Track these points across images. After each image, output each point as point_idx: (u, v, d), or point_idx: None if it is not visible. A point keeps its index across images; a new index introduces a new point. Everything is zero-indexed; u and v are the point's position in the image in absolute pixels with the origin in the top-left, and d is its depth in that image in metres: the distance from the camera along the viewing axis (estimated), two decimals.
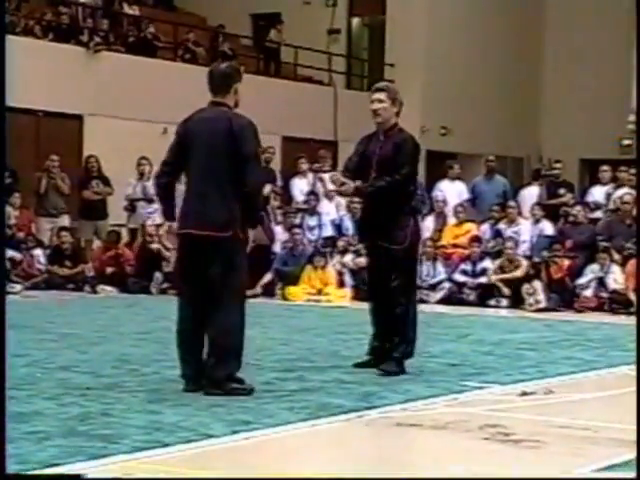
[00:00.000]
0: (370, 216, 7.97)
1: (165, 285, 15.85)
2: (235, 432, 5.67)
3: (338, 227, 16.82)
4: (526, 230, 15.84)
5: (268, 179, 15.59)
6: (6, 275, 14.55)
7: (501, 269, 15.02)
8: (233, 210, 6.84)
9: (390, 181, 7.77)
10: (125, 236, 17.32)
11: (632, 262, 14.26)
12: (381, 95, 7.98)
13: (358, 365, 7.99)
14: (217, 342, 6.82)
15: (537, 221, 15.95)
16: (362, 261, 13.53)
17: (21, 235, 16.43)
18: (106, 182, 17.38)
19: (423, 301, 14.80)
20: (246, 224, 6.91)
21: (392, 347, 7.86)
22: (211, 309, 6.81)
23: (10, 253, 15.37)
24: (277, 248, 16.33)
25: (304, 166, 17.75)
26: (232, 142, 6.82)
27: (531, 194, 17.01)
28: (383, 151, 7.91)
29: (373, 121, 8.03)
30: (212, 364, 6.81)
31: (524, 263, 14.93)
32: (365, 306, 8.32)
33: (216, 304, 6.79)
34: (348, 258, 15.77)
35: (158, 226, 16.60)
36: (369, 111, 8.03)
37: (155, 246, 16.16)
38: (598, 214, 16.16)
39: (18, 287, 15.41)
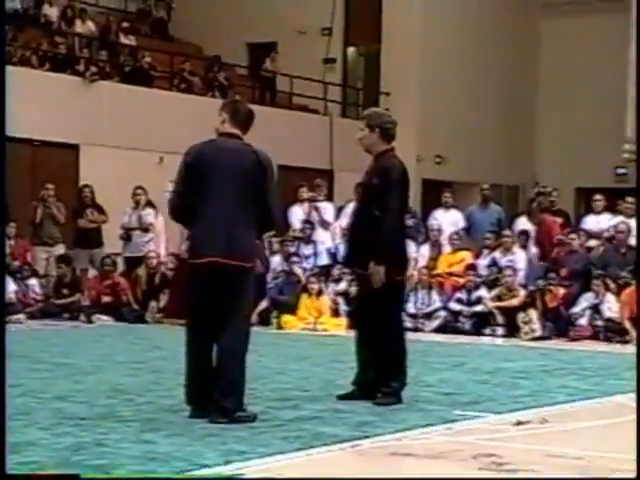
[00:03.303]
0: (359, 244, 7.85)
1: (159, 315, 15.87)
2: (229, 462, 5.66)
3: (333, 255, 16.84)
4: (521, 259, 15.86)
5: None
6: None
7: (499, 298, 15.03)
8: (254, 241, 7.09)
9: (385, 235, 7.60)
10: (121, 265, 17.31)
11: (627, 291, 14.28)
12: (361, 123, 7.94)
13: (342, 397, 7.87)
14: (227, 371, 6.85)
15: (524, 247, 16.00)
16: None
17: (17, 264, 16.42)
18: (100, 210, 17.40)
19: (418, 330, 14.87)
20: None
21: (383, 378, 7.79)
22: (221, 337, 6.84)
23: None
24: (269, 277, 16.30)
25: (305, 195, 17.77)
26: (260, 175, 6.92)
27: (523, 225, 16.99)
28: (368, 176, 7.86)
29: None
30: (222, 394, 6.82)
31: (522, 293, 14.95)
32: None
33: (227, 332, 6.84)
34: (342, 286, 15.78)
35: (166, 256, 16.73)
36: None
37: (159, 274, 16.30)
38: (593, 242, 16.17)
39: (22, 317, 15.41)
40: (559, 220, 16.49)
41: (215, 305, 6.89)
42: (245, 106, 7.35)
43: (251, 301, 7.16)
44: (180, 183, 7.12)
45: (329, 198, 18.74)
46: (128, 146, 20.16)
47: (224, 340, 6.85)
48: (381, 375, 7.82)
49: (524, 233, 16.28)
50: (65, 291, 16.34)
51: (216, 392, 6.87)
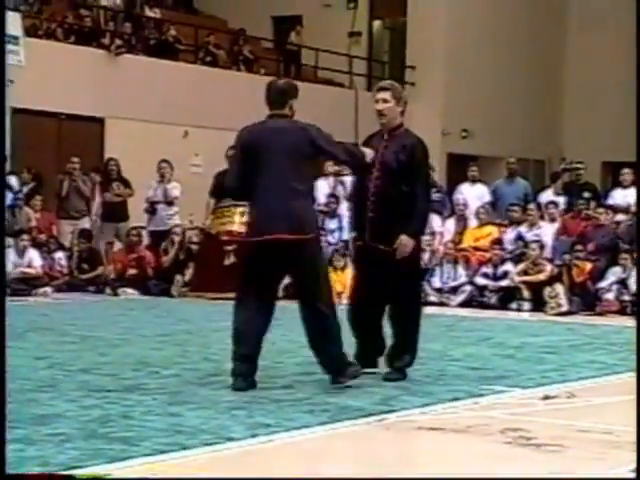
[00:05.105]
0: (379, 220, 7.66)
1: (185, 289, 15.89)
2: (255, 435, 5.66)
3: None
4: (548, 233, 15.77)
5: None
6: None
7: (525, 272, 14.96)
8: (313, 213, 7.31)
9: (420, 209, 7.65)
10: (146, 238, 17.33)
11: None
12: (386, 94, 7.75)
13: None
14: (329, 352, 7.20)
15: (552, 220, 15.91)
16: None
17: (43, 237, 16.48)
18: (126, 184, 17.42)
19: (444, 304, 14.84)
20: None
21: (397, 352, 7.72)
22: (308, 313, 7.16)
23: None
24: None
25: (330, 169, 17.73)
26: (314, 149, 7.17)
27: (550, 198, 16.91)
28: (388, 151, 7.68)
29: (378, 121, 7.82)
30: (335, 372, 7.20)
31: (548, 267, 14.87)
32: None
33: (316, 311, 7.17)
34: None
35: (191, 229, 16.76)
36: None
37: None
38: (620, 217, 16.05)
39: (49, 290, 15.50)
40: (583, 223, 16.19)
41: (270, 280, 7.13)
42: (276, 83, 7.55)
43: (326, 271, 7.36)
44: (236, 163, 7.34)
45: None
46: (153, 119, 20.16)
47: (315, 321, 7.13)
48: (395, 349, 7.75)
49: (552, 203, 16.19)
50: (85, 266, 16.40)
51: (330, 368, 7.17)
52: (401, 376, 7.69)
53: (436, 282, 15.35)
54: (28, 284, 15.39)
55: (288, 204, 7.04)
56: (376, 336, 7.88)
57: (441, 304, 14.75)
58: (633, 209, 15.88)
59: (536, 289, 14.65)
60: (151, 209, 17.19)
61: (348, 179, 17.60)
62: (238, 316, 7.16)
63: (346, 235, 16.87)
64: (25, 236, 15.76)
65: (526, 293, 14.76)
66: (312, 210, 7.30)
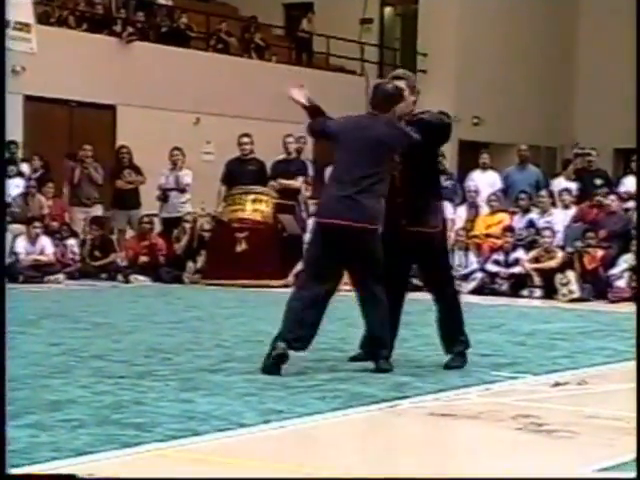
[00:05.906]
0: (410, 204, 7.59)
1: (196, 276, 15.93)
2: (267, 421, 5.68)
3: None
4: (559, 220, 15.76)
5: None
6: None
7: (536, 259, 14.96)
8: (378, 207, 7.38)
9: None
10: (158, 226, 17.37)
11: None
12: (400, 84, 7.70)
13: (353, 359, 7.83)
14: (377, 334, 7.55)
15: (566, 207, 15.89)
16: None
17: (55, 225, 16.53)
18: (138, 171, 17.45)
19: None
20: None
21: (450, 337, 7.72)
22: (366, 300, 7.63)
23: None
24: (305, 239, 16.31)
25: None
26: (399, 138, 7.37)
27: (562, 185, 16.90)
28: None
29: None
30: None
31: (559, 254, 14.87)
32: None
33: (362, 293, 7.62)
34: None
35: (203, 216, 16.79)
36: None
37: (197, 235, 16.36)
38: (631, 204, 16.02)
39: (61, 277, 15.55)
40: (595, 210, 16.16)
41: (334, 264, 7.39)
42: (382, 88, 7.63)
43: (381, 262, 7.42)
44: (328, 122, 7.58)
45: None
46: (164, 107, 20.19)
47: (365, 303, 7.66)
48: (448, 335, 7.75)
49: (566, 190, 16.15)
50: (97, 253, 16.44)
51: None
52: (463, 361, 7.69)
53: None
54: (40, 271, 15.45)
55: (353, 195, 7.21)
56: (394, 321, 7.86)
57: None
58: None
59: (547, 276, 14.65)
60: (163, 196, 17.21)
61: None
62: (300, 291, 7.48)
63: None
64: (37, 223, 15.81)
65: (537, 280, 14.77)
66: (376, 204, 7.35)
